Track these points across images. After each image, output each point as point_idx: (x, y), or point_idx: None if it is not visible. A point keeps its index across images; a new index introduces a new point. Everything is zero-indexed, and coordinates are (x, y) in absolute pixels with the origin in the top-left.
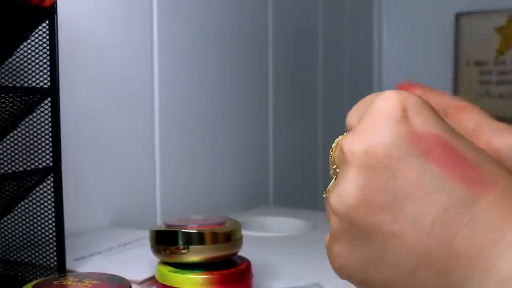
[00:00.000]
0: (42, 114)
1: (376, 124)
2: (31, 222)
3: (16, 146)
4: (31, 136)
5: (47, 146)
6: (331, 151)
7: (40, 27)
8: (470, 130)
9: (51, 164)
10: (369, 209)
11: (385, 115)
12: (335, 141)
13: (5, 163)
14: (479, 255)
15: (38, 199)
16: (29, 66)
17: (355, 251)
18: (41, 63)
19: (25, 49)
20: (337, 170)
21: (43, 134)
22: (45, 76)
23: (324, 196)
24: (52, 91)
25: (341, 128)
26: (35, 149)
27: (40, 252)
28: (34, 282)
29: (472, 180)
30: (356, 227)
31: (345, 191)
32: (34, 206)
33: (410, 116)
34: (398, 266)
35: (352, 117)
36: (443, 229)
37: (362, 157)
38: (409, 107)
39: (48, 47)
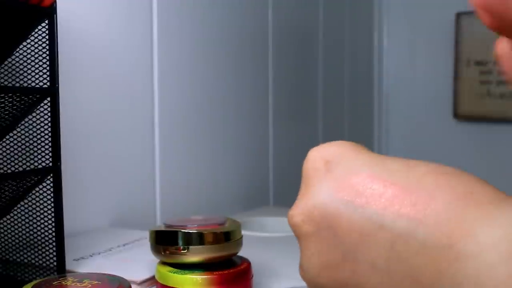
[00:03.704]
0: (42, 114)
1: (307, 188)
2: (31, 222)
3: (16, 146)
4: (31, 136)
5: (46, 146)
6: None
7: (39, 27)
8: None
9: (51, 164)
10: (330, 271)
11: (311, 176)
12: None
13: (5, 163)
14: (442, 280)
15: (38, 199)
16: (29, 66)
17: None
18: (40, 63)
19: (25, 49)
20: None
21: (43, 134)
22: (45, 76)
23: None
24: (52, 91)
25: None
26: (35, 149)
27: (40, 252)
28: (34, 282)
29: (409, 205)
30: None
31: (304, 263)
32: (34, 206)
33: (333, 168)
34: None
35: None
36: (399, 264)
37: (304, 227)
38: (330, 160)
39: (47, 47)
